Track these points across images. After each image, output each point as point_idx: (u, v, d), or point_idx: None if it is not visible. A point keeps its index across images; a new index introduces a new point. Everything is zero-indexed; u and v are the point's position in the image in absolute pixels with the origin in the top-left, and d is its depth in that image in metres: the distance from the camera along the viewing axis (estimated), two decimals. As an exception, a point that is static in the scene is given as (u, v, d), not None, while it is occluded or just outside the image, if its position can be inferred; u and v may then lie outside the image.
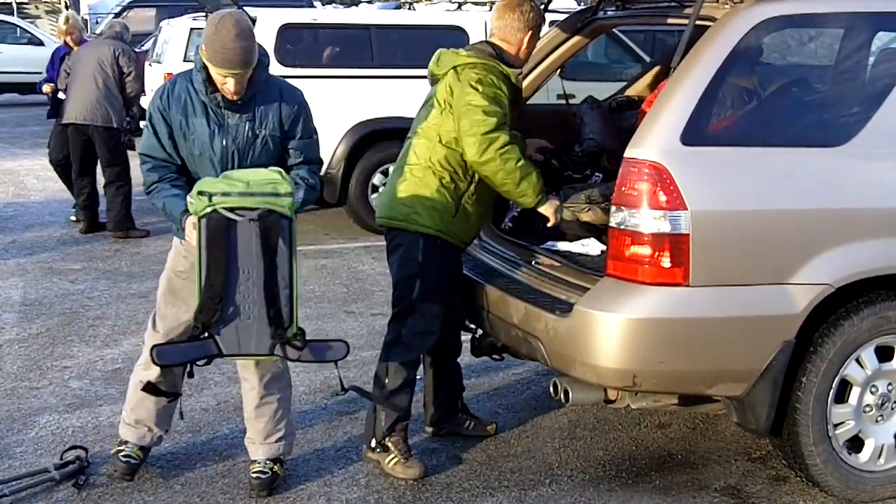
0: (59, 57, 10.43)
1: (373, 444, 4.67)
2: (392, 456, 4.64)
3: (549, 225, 4.62)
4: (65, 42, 10.40)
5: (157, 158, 4.23)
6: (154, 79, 15.11)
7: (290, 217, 3.94)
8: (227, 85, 4.07)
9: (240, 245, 3.87)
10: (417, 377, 4.94)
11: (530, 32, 4.58)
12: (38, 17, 32.48)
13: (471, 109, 4.33)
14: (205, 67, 4.11)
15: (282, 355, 4.00)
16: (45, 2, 32.64)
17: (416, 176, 4.49)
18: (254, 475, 4.51)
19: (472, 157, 4.33)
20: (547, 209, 4.54)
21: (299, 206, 4.13)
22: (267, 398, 4.49)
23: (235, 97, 4.12)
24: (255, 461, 4.54)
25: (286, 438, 4.56)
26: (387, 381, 4.61)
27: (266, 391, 4.49)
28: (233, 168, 4.16)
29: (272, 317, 3.94)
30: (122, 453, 4.55)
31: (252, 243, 3.88)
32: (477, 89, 4.36)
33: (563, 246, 4.84)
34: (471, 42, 6.65)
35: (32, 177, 13.20)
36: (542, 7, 5.32)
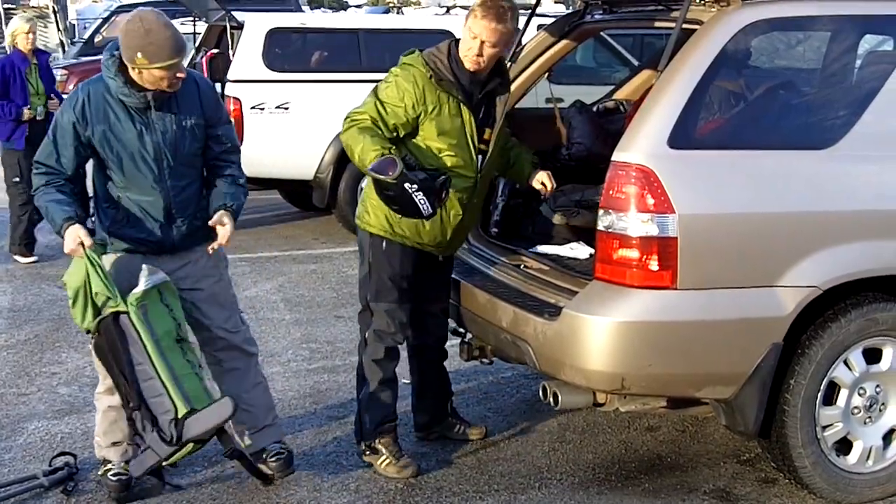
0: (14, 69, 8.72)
1: (362, 446, 4.67)
2: (384, 457, 4.64)
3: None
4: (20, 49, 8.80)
5: (49, 166, 4.23)
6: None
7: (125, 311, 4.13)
8: (165, 80, 4.08)
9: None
10: (406, 381, 4.95)
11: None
12: (25, 21, 32.37)
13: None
14: (122, 71, 4.11)
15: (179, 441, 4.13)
16: (33, 7, 32.52)
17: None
18: (273, 460, 4.57)
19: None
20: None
21: (239, 209, 4.34)
22: (260, 378, 4.65)
23: (176, 88, 4.15)
24: (265, 448, 4.60)
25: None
26: (365, 385, 4.65)
27: (257, 370, 4.63)
28: (167, 164, 4.22)
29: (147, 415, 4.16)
30: (111, 472, 4.48)
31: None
32: (375, 90, 4.41)
33: (551, 249, 4.85)
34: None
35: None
36: (530, 11, 5.35)
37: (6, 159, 8.82)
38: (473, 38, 4.33)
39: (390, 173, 4.09)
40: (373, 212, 4.48)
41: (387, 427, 4.66)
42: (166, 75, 4.07)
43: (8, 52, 8.92)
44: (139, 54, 4.00)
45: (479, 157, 4.52)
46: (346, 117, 4.39)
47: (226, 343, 4.53)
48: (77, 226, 4.10)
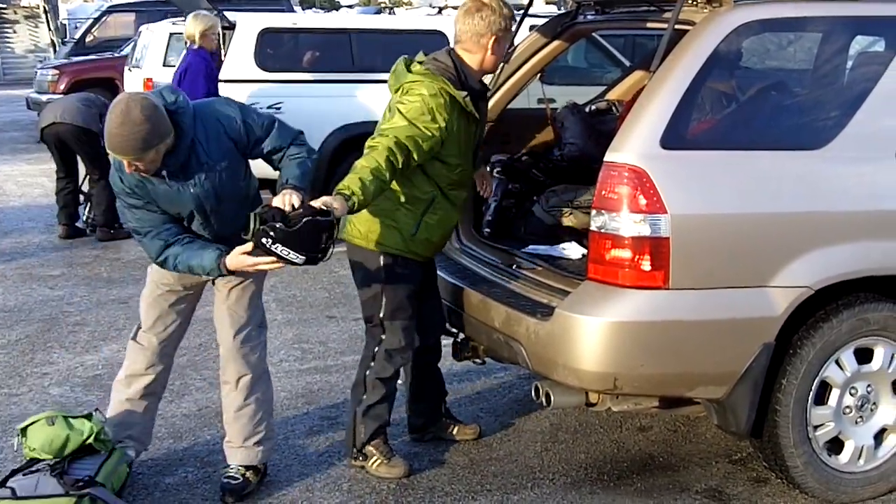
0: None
1: (353, 452, 4.68)
2: (375, 458, 4.64)
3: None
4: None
5: (152, 224, 4.14)
6: (134, 84, 15.08)
7: None
8: (132, 167, 3.94)
9: None
10: (399, 383, 4.94)
11: (494, 38, 4.35)
12: (16, 21, 32.32)
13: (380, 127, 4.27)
14: None
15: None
16: (24, 7, 32.46)
17: None
18: (224, 479, 4.50)
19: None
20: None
21: (305, 175, 4.21)
22: (248, 400, 4.49)
23: (147, 174, 3.99)
24: (229, 465, 4.53)
25: (265, 443, 4.55)
26: (364, 396, 4.61)
27: (246, 393, 4.49)
28: (211, 210, 4.16)
29: None
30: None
31: None
32: (398, 108, 4.23)
33: (543, 250, 4.85)
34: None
35: (11, 182, 13.13)
36: (522, 12, 5.34)
37: None
38: (507, 43, 4.52)
39: (242, 234, 3.96)
40: (386, 231, 4.40)
41: (379, 432, 4.67)
42: (129, 163, 3.93)
43: (186, 50, 8.84)
44: (105, 140, 3.90)
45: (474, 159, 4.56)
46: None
47: (224, 358, 4.51)
48: (231, 253, 4.03)
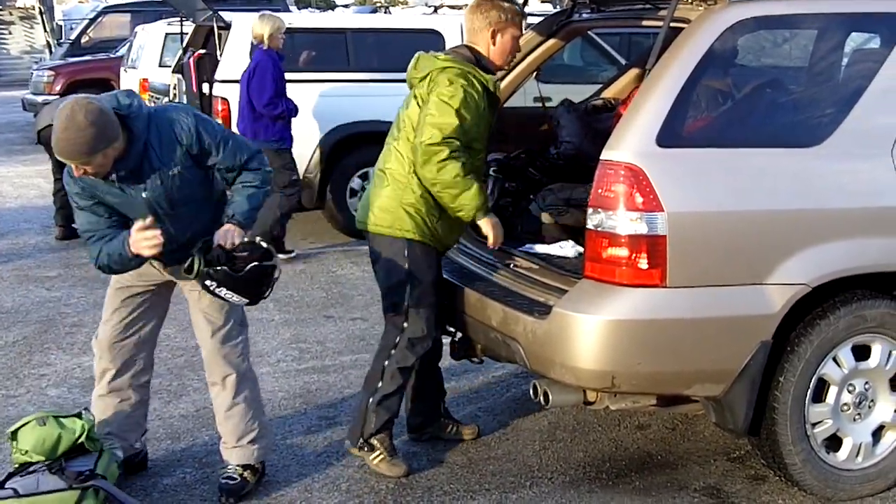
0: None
1: (359, 442, 4.66)
2: (378, 453, 4.64)
3: (489, 244, 4.58)
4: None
5: (97, 227, 4.17)
6: (129, 84, 15.06)
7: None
8: (80, 171, 3.93)
9: None
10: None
11: (492, 30, 4.50)
12: (12, 22, 32.30)
13: (427, 120, 4.34)
14: None
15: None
16: (20, 8, 32.43)
17: (399, 181, 4.49)
18: (222, 480, 4.49)
19: (416, 166, 4.38)
20: (484, 225, 4.53)
21: (254, 210, 4.19)
22: (237, 399, 4.48)
23: (100, 175, 3.99)
24: (226, 466, 4.53)
25: (259, 441, 4.54)
26: (380, 384, 4.60)
27: (234, 392, 4.47)
28: (164, 213, 4.14)
29: None
30: None
31: None
32: (442, 100, 4.33)
33: (540, 248, 4.85)
34: (447, 46, 6.67)
35: (7, 184, 13.11)
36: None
37: (281, 160, 8.55)
38: (515, 37, 4.58)
39: (184, 272, 3.97)
40: (410, 219, 4.46)
41: (387, 425, 4.67)
42: (76, 167, 3.93)
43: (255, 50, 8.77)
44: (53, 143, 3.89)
45: None
46: (442, 158, 4.31)
47: (209, 360, 4.49)
48: (131, 232, 4.03)
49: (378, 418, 4.62)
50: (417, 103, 4.49)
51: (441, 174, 4.32)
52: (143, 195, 4.07)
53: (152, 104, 12.53)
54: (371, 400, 4.62)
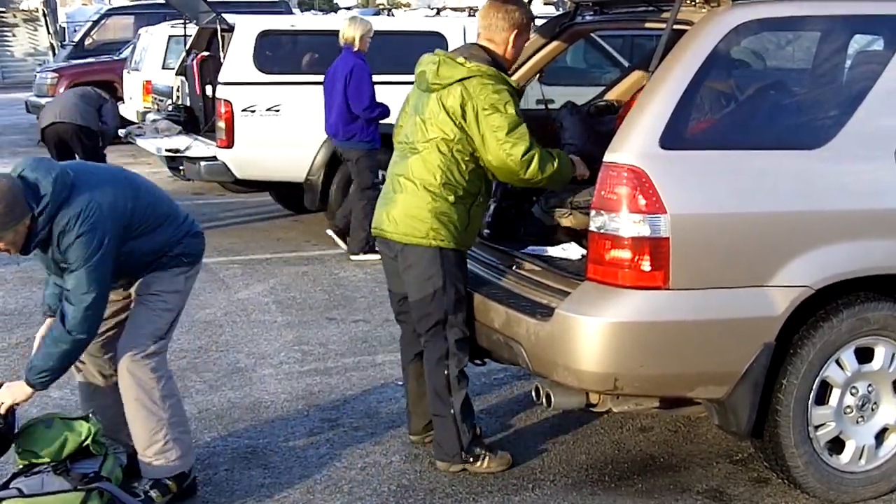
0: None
1: (462, 456, 4.65)
2: (483, 459, 4.68)
3: (578, 176, 4.74)
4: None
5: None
6: (133, 86, 15.09)
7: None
8: None
9: None
10: (399, 383, 4.95)
11: (515, 31, 4.54)
12: (15, 25, 32.34)
13: (499, 135, 4.35)
14: None
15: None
16: (23, 10, 32.48)
17: (431, 191, 4.44)
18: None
19: (521, 178, 4.46)
20: (579, 172, 4.75)
21: (48, 371, 4.12)
22: (129, 412, 4.39)
23: (11, 253, 4.04)
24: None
25: (165, 454, 4.37)
26: (453, 397, 4.59)
27: (128, 402, 4.38)
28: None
29: None
30: None
31: None
32: (498, 110, 4.36)
33: (543, 250, 4.84)
34: (449, 48, 6.66)
35: (11, 186, 13.10)
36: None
37: (369, 161, 8.70)
38: (527, 38, 4.70)
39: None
40: (444, 228, 4.46)
41: (474, 428, 4.71)
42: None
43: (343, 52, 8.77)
44: None
45: None
46: (539, 160, 4.41)
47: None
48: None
49: (468, 426, 4.63)
50: (448, 111, 4.42)
51: (545, 171, 4.43)
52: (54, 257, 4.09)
53: (155, 107, 12.61)
54: (454, 412, 4.60)
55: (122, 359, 4.30)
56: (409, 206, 4.49)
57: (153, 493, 4.35)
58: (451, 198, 4.45)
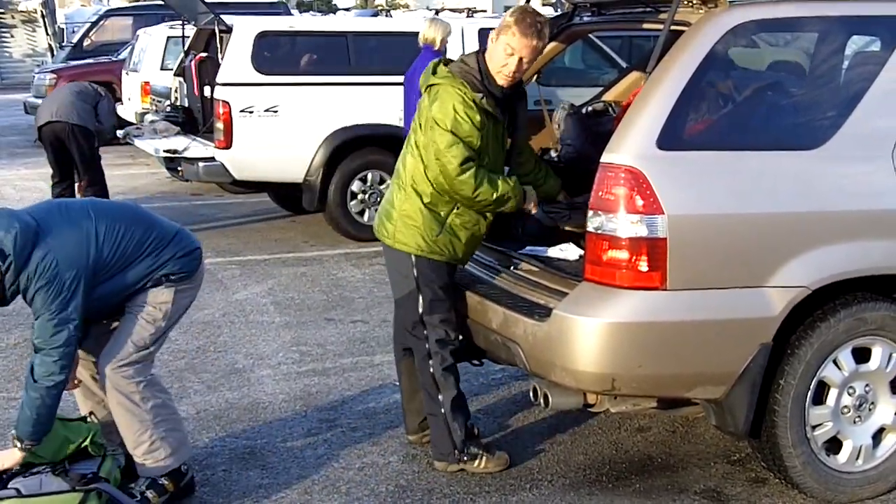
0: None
1: (456, 455, 4.65)
2: (479, 458, 4.67)
3: (532, 212, 4.63)
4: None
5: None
6: (131, 87, 15.10)
7: None
8: None
9: None
10: (396, 383, 4.94)
11: (491, 38, 4.39)
12: (14, 26, 32.34)
13: (435, 149, 4.32)
14: None
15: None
16: (22, 11, 32.47)
17: (403, 193, 4.49)
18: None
19: (461, 196, 4.37)
20: (527, 205, 4.59)
21: (34, 423, 4.16)
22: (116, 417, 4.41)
23: None
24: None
25: (153, 453, 4.36)
26: (441, 395, 4.60)
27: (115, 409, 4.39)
28: None
29: None
30: None
31: None
32: (437, 123, 4.30)
33: (541, 251, 4.84)
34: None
35: (10, 187, 13.13)
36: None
37: None
38: (510, 54, 4.32)
39: None
40: (409, 232, 4.46)
41: (470, 427, 4.70)
42: None
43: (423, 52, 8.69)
44: None
45: (506, 168, 4.61)
46: (469, 177, 4.31)
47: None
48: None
49: (459, 423, 4.63)
50: (419, 117, 4.47)
51: (478, 191, 4.33)
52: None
53: (153, 108, 12.61)
54: (443, 411, 4.61)
55: (105, 366, 4.30)
56: (389, 205, 4.58)
57: (149, 494, 4.34)
58: (418, 203, 4.44)
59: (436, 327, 4.56)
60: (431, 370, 4.59)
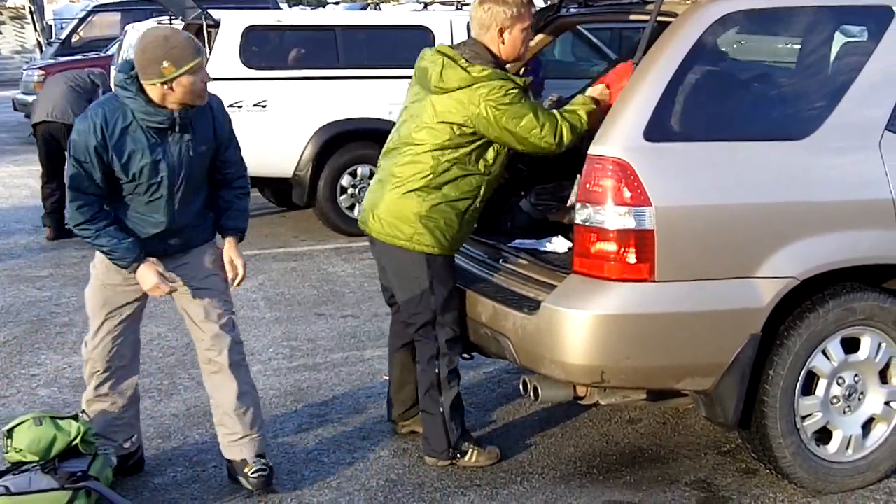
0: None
1: (450, 452, 4.65)
2: (470, 453, 4.67)
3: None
4: None
5: (88, 195, 4.11)
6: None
7: None
8: (192, 88, 4.09)
9: None
10: (386, 378, 4.94)
11: (499, 29, 4.37)
12: (2, 22, 32.21)
13: (523, 132, 4.28)
14: (142, 91, 4.05)
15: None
16: (10, 8, 32.35)
17: (421, 194, 4.38)
18: (253, 476, 4.44)
19: (577, 137, 4.38)
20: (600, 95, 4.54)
21: (246, 226, 4.48)
22: (244, 387, 4.48)
23: (205, 99, 4.23)
24: (246, 461, 4.48)
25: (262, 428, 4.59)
26: (443, 396, 4.58)
27: (243, 380, 4.48)
28: (178, 188, 4.22)
29: None
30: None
31: None
32: (513, 104, 4.26)
33: (529, 244, 4.84)
34: (436, 43, 6.65)
35: (-1, 184, 13.11)
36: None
37: None
38: (525, 28, 4.45)
39: None
40: (431, 233, 4.40)
41: (463, 425, 4.71)
42: (194, 80, 4.03)
43: None
44: (165, 62, 3.94)
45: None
46: (567, 131, 4.34)
47: (213, 344, 4.44)
48: (149, 263, 4.18)
49: (456, 423, 4.63)
50: (447, 118, 4.33)
51: (575, 133, 4.35)
52: (171, 160, 4.14)
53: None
54: (443, 411, 4.60)
55: (228, 344, 4.45)
56: (395, 206, 4.43)
57: (266, 461, 4.52)
58: (442, 202, 4.38)
59: (446, 327, 4.54)
60: (437, 371, 4.57)
